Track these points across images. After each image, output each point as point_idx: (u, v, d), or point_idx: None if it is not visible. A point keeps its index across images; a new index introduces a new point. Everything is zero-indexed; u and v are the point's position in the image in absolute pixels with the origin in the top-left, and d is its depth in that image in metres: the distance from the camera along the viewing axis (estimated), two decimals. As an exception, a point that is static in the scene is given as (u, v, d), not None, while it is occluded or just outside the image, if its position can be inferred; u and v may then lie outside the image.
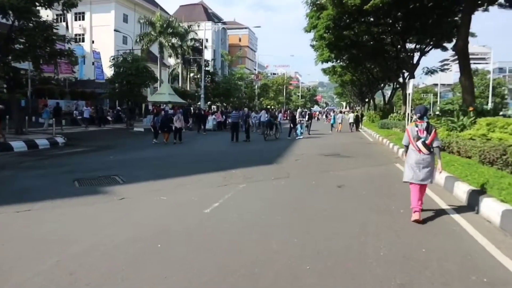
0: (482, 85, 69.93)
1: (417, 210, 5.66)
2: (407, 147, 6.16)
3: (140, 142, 18.77)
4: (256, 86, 66.41)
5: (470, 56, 17.44)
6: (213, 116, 29.35)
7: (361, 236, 5.01)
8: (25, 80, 28.69)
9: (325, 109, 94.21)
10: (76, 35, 49.93)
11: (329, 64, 40.93)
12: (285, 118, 36.36)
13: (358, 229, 5.27)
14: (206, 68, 44.77)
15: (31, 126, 22.33)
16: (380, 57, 32.06)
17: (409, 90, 19.57)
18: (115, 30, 42.04)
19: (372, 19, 26.67)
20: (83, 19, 50.67)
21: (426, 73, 34.30)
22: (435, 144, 5.80)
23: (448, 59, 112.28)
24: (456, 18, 24.45)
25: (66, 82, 37.47)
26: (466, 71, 16.89)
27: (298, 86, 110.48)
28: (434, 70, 34.43)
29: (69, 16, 43.39)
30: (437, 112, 26.97)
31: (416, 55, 29.29)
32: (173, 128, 18.71)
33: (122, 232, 5.19)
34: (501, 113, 20.89)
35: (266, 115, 23.88)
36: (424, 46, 28.93)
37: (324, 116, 58.34)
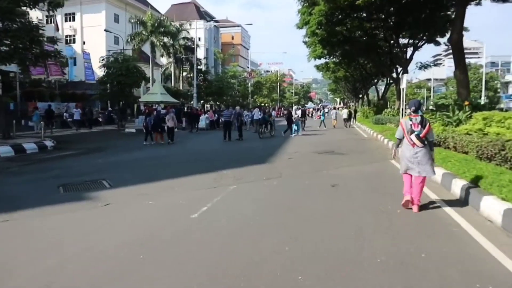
0: (475, 79, 69.96)
1: (415, 203, 5.82)
2: (400, 140, 6.21)
3: (131, 144, 18.45)
4: (249, 84, 66.06)
5: (463, 51, 17.23)
6: (206, 115, 29.06)
7: (356, 240, 4.71)
8: (14, 83, 28.25)
9: (319, 105, 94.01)
10: (66, 36, 49.37)
11: (322, 61, 40.89)
12: (278, 116, 36.15)
13: (353, 233, 4.98)
14: (199, 67, 44.37)
15: (20, 130, 21.93)
16: (373, 52, 31.91)
17: (403, 85, 19.41)
18: (105, 30, 41.46)
19: (364, 14, 26.48)
20: (74, 20, 49.98)
21: (420, 68, 34.27)
22: (429, 138, 5.83)
23: (441, 54, 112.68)
24: (449, 13, 24.32)
25: (56, 84, 36.94)
26: (460, 64, 16.66)
27: (291, 83, 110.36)
28: (428, 65, 34.35)
29: (59, 17, 42.88)
30: (431, 107, 26.85)
31: (409, 50, 29.19)
32: (166, 128, 18.47)
33: (102, 242, 4.88)
34: (497, 107, 20.71)
35: (259, 113, 23.65)
36: (417, 41, 28.74)
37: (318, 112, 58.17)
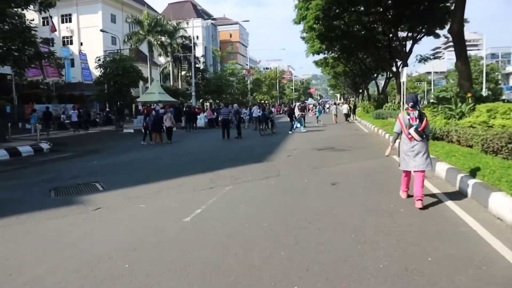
0: (476, 72, 69.42)
1: (418, 198, 5.64)
2: (398, 134, 6.24)
3: (128, 144, 18.20)
4: (248, 82, 65.69)
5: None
6: (204, 114, 28.78)
7: (357, 244, 4.41)
8: (10, 85, 28.02)
9: (320, 101, 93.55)
10: (63, 37, 49.03)
11: (321, 56, 40.57)
12: (278, 113, 35.92)
13: (354, 236, 4.68)
14: (197, 65, 44.06)
15: (17, 132, 21.69)
16: (372, 46, 31.57)
17: (403, 78, 19.11)
18: (101, 31, 41.07)
19: (362, 8, 26.13)
20: (70, 21, 49.57)
21: (419, 61, 33.91)
22: (426, 132, 5.93)
23: (440, 47, 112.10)
24: (448, 4, 23.94)
25: (53, 86, 36.67)
26: (462, 55, 16.26)
27: (291, 79, 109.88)
28: (427, 58, 34.04)
29: (56, 18, 42.55)
30: (432, 100, 26.48)
31: (409, 43, 28.83)
32: (164, 127, 18.25)
33: (88, 250, 4.59)
34: (500, 98, 20.33)
35: (259, 110, 23.36)
36: (416, 34, 28.37)
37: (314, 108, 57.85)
